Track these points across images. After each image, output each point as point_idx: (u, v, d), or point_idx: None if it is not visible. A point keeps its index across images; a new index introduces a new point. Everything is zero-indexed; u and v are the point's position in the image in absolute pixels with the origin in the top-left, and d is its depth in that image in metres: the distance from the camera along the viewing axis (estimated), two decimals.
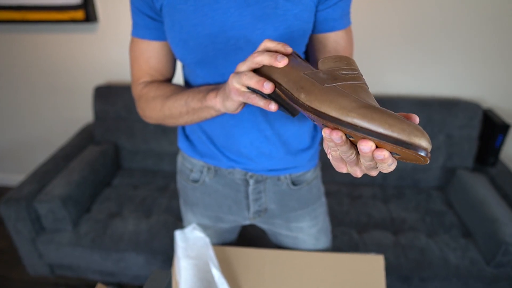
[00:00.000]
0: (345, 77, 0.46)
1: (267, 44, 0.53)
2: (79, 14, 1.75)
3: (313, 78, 0.47)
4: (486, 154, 1.71)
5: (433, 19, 1.61)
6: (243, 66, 0.54)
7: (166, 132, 1.83)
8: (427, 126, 1.69)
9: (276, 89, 0.52)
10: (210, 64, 0.68)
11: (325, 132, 0.42)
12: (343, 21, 0.70)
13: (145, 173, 1.89)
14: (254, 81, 0.51)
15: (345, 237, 1.47)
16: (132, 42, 0.74)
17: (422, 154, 0.37)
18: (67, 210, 1.49)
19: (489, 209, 1.42)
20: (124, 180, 1.84)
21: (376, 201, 1.68)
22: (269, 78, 0.53)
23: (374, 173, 0.46)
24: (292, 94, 0.49)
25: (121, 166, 1.95)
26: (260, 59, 0.51)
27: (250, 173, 0.82)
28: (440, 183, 1.76)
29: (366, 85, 0.47)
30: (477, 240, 1.44)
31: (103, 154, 1.80)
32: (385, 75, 1.77)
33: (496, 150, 1.68)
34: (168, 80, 0.80)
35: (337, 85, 0.45)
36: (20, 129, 2.20)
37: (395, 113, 0.40)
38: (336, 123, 0.41)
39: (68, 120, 2.11)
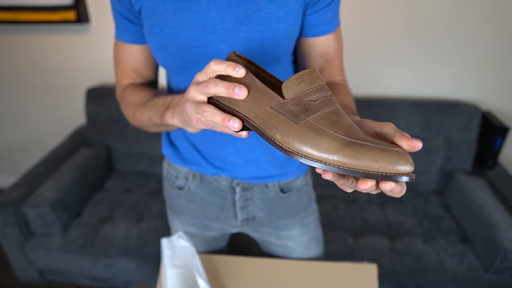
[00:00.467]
0: (316, 105, 0.43)
1: (214, 67, 0.47)
2: (71, 15, 1.72)
3: (283, 114, 0.44)
4: (485, 157, 1.67)
5: (431, 19, 1.58)
6: (198, 94, 0.48)
7: (159, 134, 1.80)
8: (424, 128, 1.66)
9: (245, 124, 0.48)
10: (191, 69, 0.66)
11: (318, 171, 0.42)
12: (333, 24, 0.68)
13: (138, 176, 1.85)
14: (219, 119, 0.46)
15: (340, 242, 1.44)
16: (114, 44, 0.73)
17: (405, 180, 0.38)
18: (56, 215, 1.46)
19: (487, 213, 1.38)
20: (116, 184, 1.81)
21: (372, 205, 1.65)
22: (232, 110, 0.48)
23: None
24: (265, 132, 0.45)
25: (114, 169, 1.92)
26: (215, 91, 0.46)
27: (236, 181, 0.79)
28: (438, 186, 1.73)
29: (336, 103, 0.45)
30: (475, 245, 1.40)
31: (95, 156, 1.77)
32: (382, 76, 1.74)
33: (495, 153, 1.65)
34: (151, 82, 0.78)
35: (311, 119, 0.43)
36: (11, 131, 2.17)
37: (377, 142, 0.40)
38: (321, 165, 0.41)
39: (60, 122, 2.08)
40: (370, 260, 1.37)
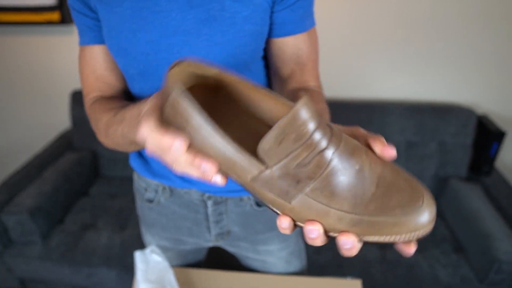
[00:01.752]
0: (308, 172, 0.32)
1: (146, 144, 0.37)
2: (55, 16, 1.67)
3: (270, 191, 0.34)
4: (481, 162, 1.62)
5: (425, 21, 1.52)
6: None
7: None
8: (418, 133, 1.61)
9: None
10: (153, 76, 0.60)
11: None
12: (304, 23, 0.61)
13: (124, 182, 1.81)
14: (196, 176, 0.37)
15: (330, 252, 1.39)
16: (79, 53, 0.66)
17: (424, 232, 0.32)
18: (36, 222, 1.42)
19: (483, 222, 1.33)
20: (102, 189, 1.76)
21: None
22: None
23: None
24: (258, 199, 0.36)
25: (99, 174, 1.87)
26: (185, 173, 0.36)
27: (207, 194, 0.74)
28: (432, 192, 1.68)
29: (329, 157, 0.33)
30: (469, 256, 1.35)
31: (80, 161, 1.72)
32: (375, 79, 1.69)
33: (491, 159, 1.60)
34: (121, 92, 0.69)
35: (306, 195, 0.33)
36: None
37: (392, 199, 0.32)
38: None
39: (44, 125, 2.03)
40: (360, 270, 1.32)
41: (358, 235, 0.33)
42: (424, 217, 0.32)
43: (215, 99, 0.42)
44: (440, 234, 1.47)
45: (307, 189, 0.33)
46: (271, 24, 0.61)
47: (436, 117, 1.59)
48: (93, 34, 0.62)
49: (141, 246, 1.42)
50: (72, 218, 1.57)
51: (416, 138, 1.62)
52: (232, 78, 0.39)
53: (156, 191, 0.78)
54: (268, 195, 0.34)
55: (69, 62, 1.81)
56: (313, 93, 0.61)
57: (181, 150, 0.34)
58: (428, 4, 1.49)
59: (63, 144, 1.83)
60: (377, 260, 1.35)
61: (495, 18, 1.49)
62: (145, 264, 0.88)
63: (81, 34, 0.64)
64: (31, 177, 1.61)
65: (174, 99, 0.34)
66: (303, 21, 0.61)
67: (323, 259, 1.36)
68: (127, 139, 0.51)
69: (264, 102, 0.40)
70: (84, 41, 0.64)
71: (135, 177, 0.83)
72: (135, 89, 0.65)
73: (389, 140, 1.62)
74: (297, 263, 0.89)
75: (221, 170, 0.35)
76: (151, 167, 0.75)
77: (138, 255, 0.88)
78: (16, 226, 1.41)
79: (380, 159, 0.35)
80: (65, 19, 1.67)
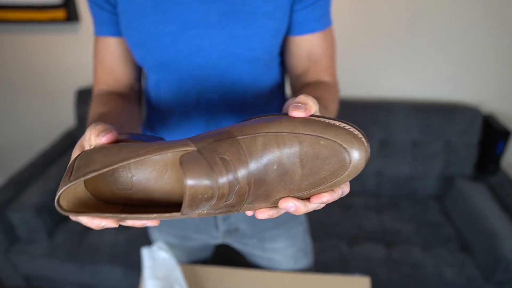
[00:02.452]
0: (237, 201, 0.35)
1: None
2: (60, 14, 1.67)
3: (217, 210, 0.36)
4: (486, 161, 1.62)
5: (429, 18, 1.52)
6: None
7: None
8: (424, 132, 1.60)
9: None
10: (171, 67, 0.61)
11: None
12: (322, 22, 0.62)
13: None
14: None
15: (334, 251, 1.39)
16: (94, 42, 0.67)
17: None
18: (42, 220, 1.42)
19: (489, 221, 1.32)
20: None
21: (368, 211, 1.60)
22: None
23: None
24: None
25: None
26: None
27: None
28: (437, 192, 1.67)
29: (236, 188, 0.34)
30: (475, 255, 1.35)
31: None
32: (379, 78, 1.68)
33: (497, 157, 1.59)
34: (125, 86, 0.69)
35: (247, 206, 0.37)
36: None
37: (321, 179, 0.35)
38: None
39: (49, 124, 2.03)
40: (365, 269, 1.32)
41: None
42: (357, 163, 0.34)
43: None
44: (445, 233, 1.46)
45: (244, 206, 0.36)
46: (290, 22, 0.61)
47: (442, 116, 1.59)
48: (107, 27, 0.63)
49: (146, 244, 1.42)
50: None
51: (422, 137, 1.61)
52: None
53: None
54: (217, 212, 0.36)
55: (74, 61, 1.82)
56: (322, 85, 0.61)
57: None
58: (434, 3, 1.49)
59: (67, 142, 1.83)
60: (382, 259, 1.35)
61: (501, 18, 1.48)
62: (152, 260, 0.88)
63: (96, 24, 0.65)
64: (36, 174, 1.61)
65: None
66: (321, 20, 0.62)
67: (327, 258, 1.36)
68: None
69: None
70: (98, 31, 0.65)
71: None
72: (150, 80, 0.66)
73: (395, 139, 1.62)
74: (304, 261, 0.88)
75: None
76: None
77: (145, 252, 0.88)
78: (22, 223, 1.41)
79: (294, 136, 0.34)
80: (70, 17, 1.67)
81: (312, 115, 0.36)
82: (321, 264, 1.34)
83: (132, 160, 0.34)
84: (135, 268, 1.38)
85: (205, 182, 0.32)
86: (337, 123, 0.35)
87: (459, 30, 1.53)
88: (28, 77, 1.90)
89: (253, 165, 0.34)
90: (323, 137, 0.34)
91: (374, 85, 1.71)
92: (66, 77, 1.87)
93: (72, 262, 1.42)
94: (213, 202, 0.33)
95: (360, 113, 1.62)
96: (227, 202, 0.34)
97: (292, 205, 0.36)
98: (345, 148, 0.34)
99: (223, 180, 0.33)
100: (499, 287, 1.26)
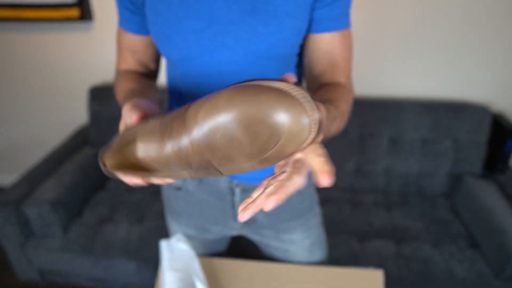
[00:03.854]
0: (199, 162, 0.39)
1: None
2: (74, 12, 1.70)
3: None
4: (495, 160, 1.63)
5: (440, 17, 1.53)
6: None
7: None
8: (433, 130, 1.62)
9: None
10: (195, 62, 0.63)
11: None
12: (341, 22, 0.64)
13: None
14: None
15: (345, 246, 1.40)
16: (117, 28, 0.74)
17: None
18: (57, 215, 1.45)
19: (498, 219, 1.34)
20: (118, 184, 1.79)
21: (378, 208, 1.61)
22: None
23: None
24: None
25: None
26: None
27: (236, 181, 0.76)
28: (446, 190, 1.68)
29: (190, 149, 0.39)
30: (484, 251, 1.36)
31: (97, 156, 1.75)
32: (389, 77, 1.70)
33: (506, 156, 1.60)
34: (150, 70, 0.77)
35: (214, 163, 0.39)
36: (13, 130, 2.16)
37: (266, 146, 0.36)
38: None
39: (62, 121, 2.06)
40: (376, 265, 1.33)
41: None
42: (290, 127, 0.33)
43: None
44: (454, 230, 1.48)
45: (216, 168, 0.39)
46: (310, 21, 0.63)
47: (451, 114, 1.60)
48: (132, 25, 0.69)
49: (159, 238, 1.44)
50: (90, 211, 1.60)
51: (431, 135, 1.63)
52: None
53: (185, 179, 0.80)
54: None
55: (87, 59, 1.85)
56: (336, 88, 0.63)
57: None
58: (443, 2, 1.50)
59: (80, 139, 1.86)
60: (392, 255, 1.36)
61: (510, 17, 1.49)
62: (170, 252, 0.90)
63: (121, 17, 0.70)
64: (50, 170, 1.64)
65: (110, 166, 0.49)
66: (339, 19, 0.63)
67: (338, 254, 1.38)
68: None
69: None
70: (124, 26, 0.70)
71: None
72: (175, 73, 0.69)
73: (404, 137, 1.63)
74: (319, 253, 0.90)
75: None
76: None
77: (163, 244, 0.90)
78: (37, 218, 1.44)
79: (230, 104, 0.35)
80: (84, 16, 1.70)
81: (251, 80, 0.37)
82: (332, 260, 1.35)
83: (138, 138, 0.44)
84: (148, 262, 1.40)
85: (154, 146, 0.41)
86: (276, 85, 0.34)
87: (469, 29, 1.54)
88: (42, 75, 1.93)
89: (195, 133, 0.37)
90: (255, 101, 0.33)
91: (384, 84, 1.72)
92: (79, 75, 1.90)
93: (86, 257, 1.44)
94: (175, 164, 0.40)
95: (370, 111, 1.64)
96: (192, 164, 0.39)
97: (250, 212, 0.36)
98: (274, 109, 0.32)
99: (168, 145, 0.40)
100: (509, 283, 1.27)
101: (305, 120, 0.32)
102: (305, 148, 0.36)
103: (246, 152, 0.36)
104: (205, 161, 0.38)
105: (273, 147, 0.35)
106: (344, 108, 0.59)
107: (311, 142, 0.36)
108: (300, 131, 0.33)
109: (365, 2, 1.54)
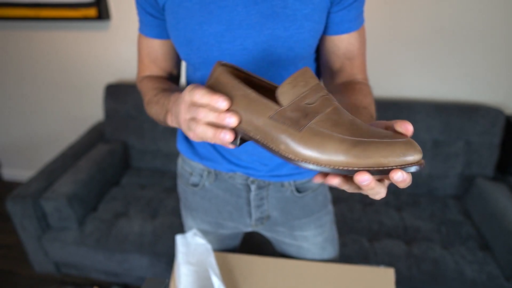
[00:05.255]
0: (315, 108, 0.42)
1: (194, 98, 0.45)
2: (92, 12, 1.74)
3: (284, 123, 0.42)
4: (508, 162, 1.62)
5: (450, 18, 1.53)
6: (188, 115, 0.47)
7: (175, 132, 1.80)
8: (445, 131, 1.62)
9: (244, 137, 0.46)
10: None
11: (317, 180, 0.43)
12: (357, 22, 0.66)
13: (153, 173, 1.87)
14: (210, 135, 0.45)
15: (355, 245, 1.41)
16: (138, 36, 0.75)
17: (415, 169, 0.37)
18: (73, 209, 1.48)
19: (509, 220, 1.33)
20: (132, 180, 1.82)
21: (389, 208, 1.62)
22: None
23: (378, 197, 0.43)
24: (267, 144, 0.44)
25: (130, 165, 1.94)
26: (201, 133, 0.45)
27: (251, 178, 0.78)
28: (457, 191, 1.68)
29: (333, 100, 0.44)
30: (495, 253, 1.36)
31: (112, 153, 1.79)
32: (401, 78, 1.70)
33: None
34: (172, 75, 0.79)
35: (313, 124, 0.41)
36: (30, 126, 2.21)
37: (383, 132, 0.40)
38: (331, 170, 0.40)
39: (78, 118, 2.11)
40: (386, 264, 1.34)
41: (358, 158, 0.38)
42: (412, 145, 0.37)
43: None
44: (465, 231, 1.48)
45: (314, 120, 0.42)
46: (328, 23, 0.66)
47: (464, 116, 1.60)
48: (152, 30, 0.71)
49: (172, 234, 1.47)
50: (105, 206, 1.63)
51: (443, 136, 1.63)
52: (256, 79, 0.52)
53: (201, 175, 0.82)
54: (282, 127, 0.42)
55: (103, 57, 1.88)
56: (362, 87, 0.65)
57: (224, 106, 0.44)
58: (456, 4, 1.50)
59: (95, 136, 1.90)
60: (403, 255, 1.37)
61: None
62: (186, 247, 0.92)
63: (142, 24, 0.72)
64: (67, 166, 1.68)
65: (216, 67, 0.49)
66: (356, 20, 0.66)
67: (349, 252, 1.39)
68: (158, 116, 0.64)
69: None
70: (144, 32, 0.72)
71: (180, 162, 0.88)
72: (195, 76, 0.71)
73: (416, 138, 1.64)
74: (331, 250, 0.92)
75: (241, 125, 0.45)
76: (197, 151, 0.80)
77: (179, 238, 0.93)
78: (54, 211, 1.48)
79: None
80: (101, 15, 1.74)
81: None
82: (343, 258, 1.37)
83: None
84: (161, 257, 1.43)
85: (314, 75, 0.46)
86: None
87: (483, 30, 1.54)
88: (60, 73, 1.98)
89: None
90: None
91: (396, 85, 1.73)
92: (96, 72, 1.94)
93: (101, 250, 1.48)
94: (307, 89, 0.44)
95: (382, 112, 1.64)
96: (311, 101, 0.43)
97: (366, 178, 0.38)
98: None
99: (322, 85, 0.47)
100: None
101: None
102: None
103: (357, 128, 0.41)
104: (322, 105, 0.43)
105: (386, 139, 0.40)
106: (373, 111, 0.62)
107: None
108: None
109: (379, 4, 1.55)
